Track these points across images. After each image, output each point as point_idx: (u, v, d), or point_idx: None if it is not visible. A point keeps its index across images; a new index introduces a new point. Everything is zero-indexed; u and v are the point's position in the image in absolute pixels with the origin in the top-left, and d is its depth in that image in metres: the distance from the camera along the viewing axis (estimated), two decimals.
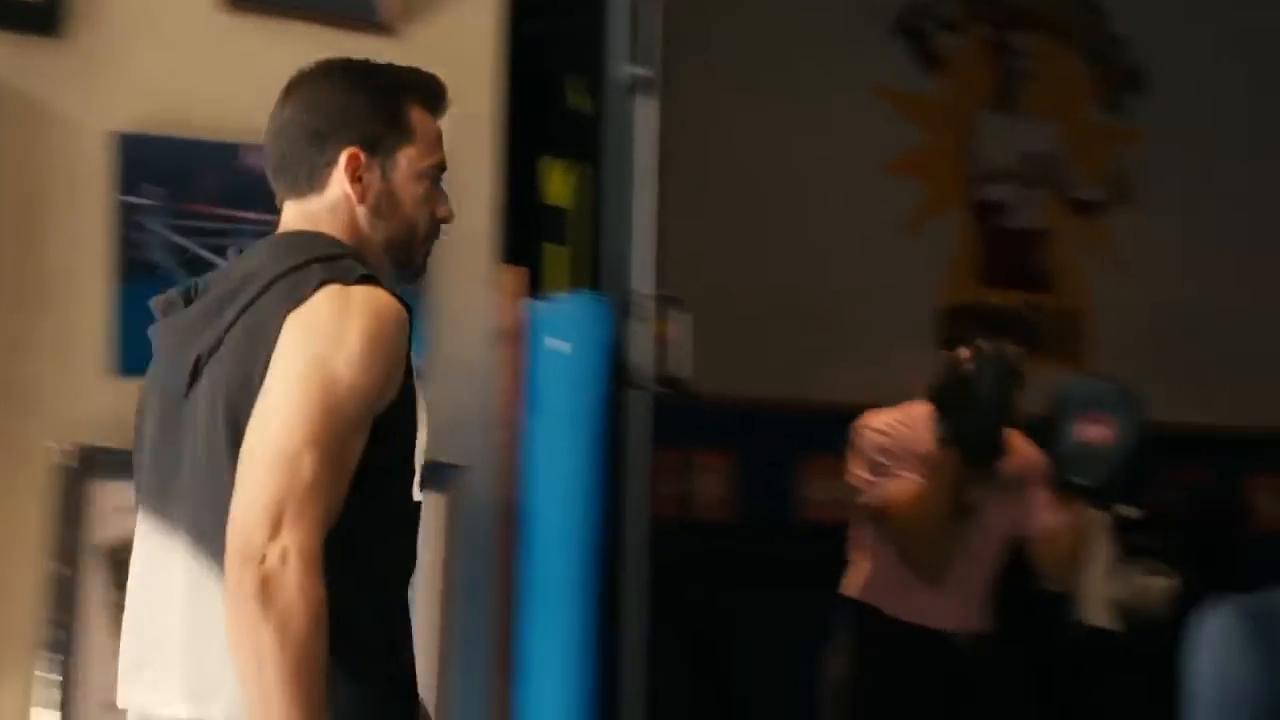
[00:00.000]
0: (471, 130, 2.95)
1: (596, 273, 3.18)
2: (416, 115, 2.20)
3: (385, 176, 2.18)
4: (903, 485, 3.71)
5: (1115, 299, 6.02)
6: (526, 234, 3.23)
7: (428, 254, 2.27)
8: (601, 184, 3.16)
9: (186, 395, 2.10)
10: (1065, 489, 3.70)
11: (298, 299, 2.04)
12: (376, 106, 2.18)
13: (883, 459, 3.77)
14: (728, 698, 4.91)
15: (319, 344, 2.01)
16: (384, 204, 2.17)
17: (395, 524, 2.14)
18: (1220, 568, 5.60)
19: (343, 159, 2.15)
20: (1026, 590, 4.90)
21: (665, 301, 3.07)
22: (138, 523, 2.18)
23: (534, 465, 3.00)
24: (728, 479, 5.28)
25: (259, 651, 1.91)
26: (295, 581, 1.92)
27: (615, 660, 3.05)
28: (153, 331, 2.22)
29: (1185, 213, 6.14)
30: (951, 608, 3.78)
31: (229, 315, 2.07)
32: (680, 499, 5.12)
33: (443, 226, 2.25)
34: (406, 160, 2.19)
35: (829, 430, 5.37)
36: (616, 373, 3.03)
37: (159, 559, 2.13)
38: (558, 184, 3.32)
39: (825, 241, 5.45)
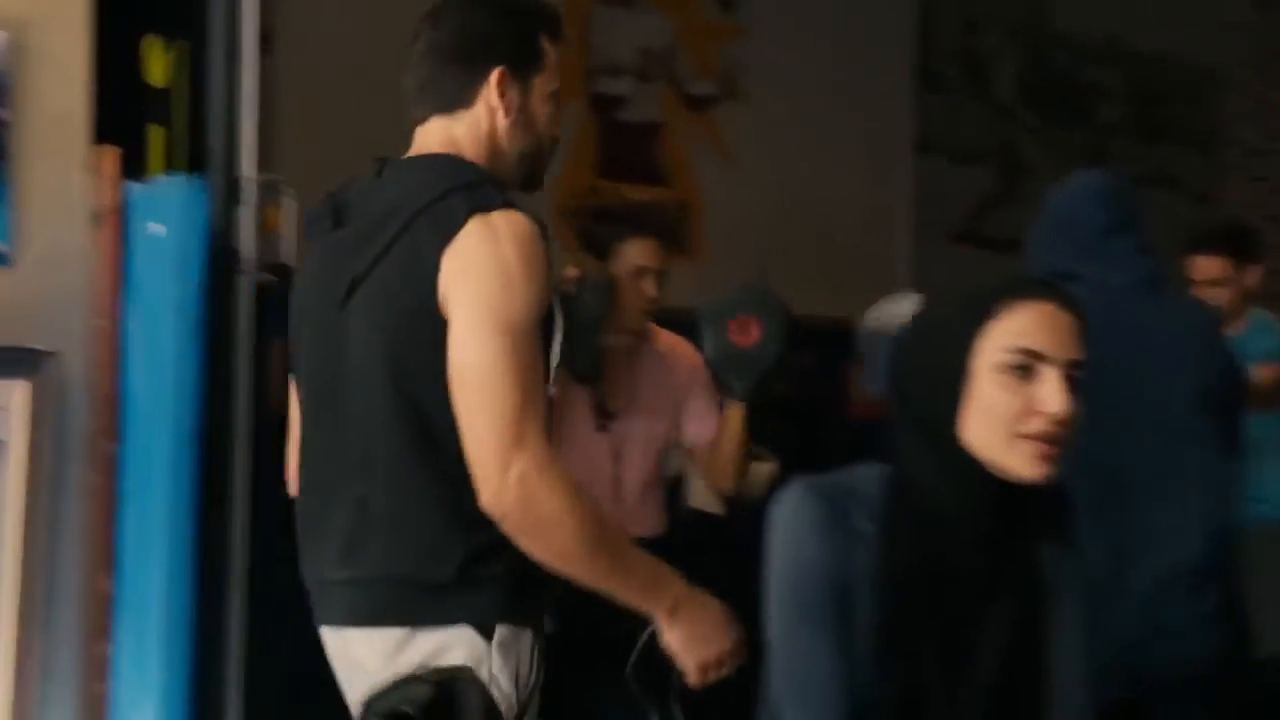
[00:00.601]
0: (64, 6, 2.83)
1: (201, 155, 3.08)
2: (547, 44, 2.49)
3: (523, 96, 2.47)
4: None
5: (723, 192, 6.19)
6: (129, 115, 3.12)
7: (544, 170, 2.59)
8: (205, 63, 3.06)
9: (340, 314, 2.37)
10: (722, 392, 3.83)
11: (449, 235, 2.28)
12: (520, 34, 2.47)
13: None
14: None
15: (483, 282, 2.26)
16: (521, 121, 2.46)
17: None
18: (819, 452, 5.85)
19: (493, 77, 2.43)
20: None
21: (270, 186, 3.02)
22: (300, 415, 2.50)
23: (133, 353, 2.92)
24: None
25: (566, 556, 2.23)
26: (544, 490, 2.20)
27: (221, 552, 3.01)
28: (309, 235, 2.52)
29: (788, 107, 6.33)
30: (616, 515, 3.85)
31: (380, 243, 2.32)
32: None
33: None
34: (539, 83, 2.49)
35: None
36: (220, 258, 2.96)
37: (324, 454, 2.41)
38: (158, 63, 3.21)
39: None
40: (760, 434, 5.59)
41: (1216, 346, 3.27)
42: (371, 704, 1.74)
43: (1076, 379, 1.93)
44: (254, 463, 3.04)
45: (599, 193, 5.94)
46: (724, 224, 6.19)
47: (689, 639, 2.37)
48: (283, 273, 3.05)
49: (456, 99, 2.44)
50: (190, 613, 2.91)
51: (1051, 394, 1.90)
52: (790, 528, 1.99)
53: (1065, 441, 1.92)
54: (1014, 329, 1.92)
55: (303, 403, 2.52)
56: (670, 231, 4.05)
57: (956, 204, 7.25)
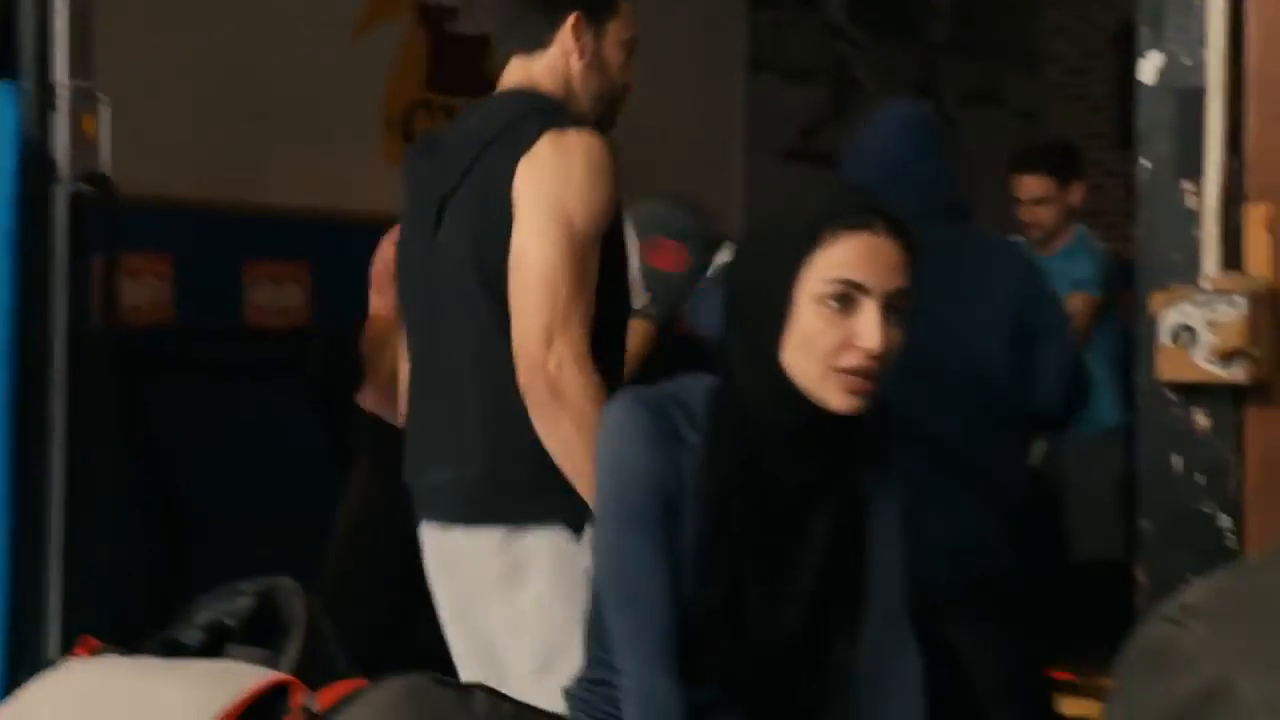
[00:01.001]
0: None
1: (12, 60, 2.98)
2: None
3: (598, 41, 2.66)
4: (383, 302, 3.78)
5: None
6: None
7: (618, 113, 2.78)
8: None
9: (435, 234, 2.59)
10: (635, 316, 3.80)
11: (524, 147, 2.49)
12: None
13: (375, 275, 3.82)
14: (169, 488, 4.84)
15: (550, 184, 2.47)
16: (595, 64, 2.65)
17: (618, 327, 2.67)
18: (656, 368, 5.88)
19: (569, 22, 2.63)
20: None
21: (86, 93, 2.93)
22: (408, 341, 2.74)
23: None
24: (167, 282, 5.14)
25: (564, 441, 2.42)
26: (574, 379, 2.41)
27: (39, 469, 2.95)
28: (406, 172, 2.76)
29: None
30: None
31: (464, 163, 2.54)
32: (114, 301, 4.94)
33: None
34: (614, 30, 2.68)
35: (273, 234, 5.32)
36: (34, 168, 2.88)
37: (428, 368, 2.64)
38: None
39: (269, 40, 5.30)
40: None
41: (1020, 278, 3.24)
42: (193, 616, 1.72)
43: (900, 306, 1.95)
44: (71, 379, 2.97)
45: (428, 105, 5.88)
46: None
47: None
48: (101, 183, 2.96)
49: (535, 40, 2.64)
50: (7, 527, 2.85)
51: (868, 328, 1.92)
52: (618, 437, 2.00)
53: (881, 373, 1.95)
54: (835, 260, 1.92)
55: (408, 329, 2.75)
56: None
57: (789, 122, 7.28)
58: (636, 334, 3.83)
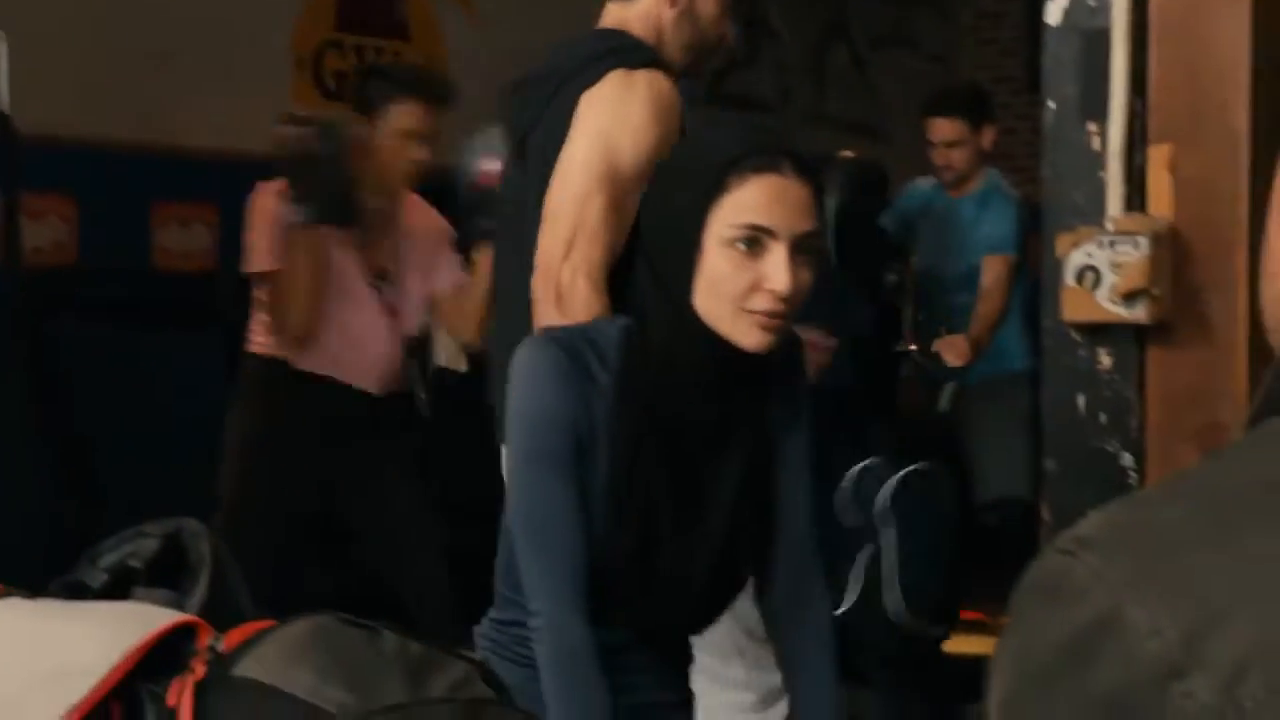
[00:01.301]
0: None
1: None
2: None
3: None
4: (271, 259, 3.76)
5: (467, 48, 6.10)
6: None
7: (709, 64, 2.91)
8: None
9: (519, 162, 2.77)
10: (471, 236, 3.82)
11: (592, 83, 2.61)
12: None
13: (262, 227, 3.78)
14: (72, 431, 4.79)
15: (605, 118, 2.58)
16: (687, 13, 2.74)
17: None
18: None
19: None
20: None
21: None
22: (494, 274, 2.97)
23: None
24: (71, 223, 5.06)
25: None
26: (583, 292, 2.51)
27: None
28: (502, 107, 2.92)
29: None
30: (357, 366, 3.86)
31: (544, 97, 2.69)
32: (15, 243, 4.87)
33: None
34: None
35: (181, 175, 5.25)
36: None
37: (511, 296, 2.74)
38: None
39: None
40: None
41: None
42: (98, 558, 1.70)
43: (809, 248, 1.96)
44: None
45: (339, 45, 5.81)
46: (468, 81, 6.11)
47: None
48: None
49: None
50: None
51: (776, 271, 1.92)
52: (530, 376, 2.00)
53: (790, 314, 1.95)
54: (742, 204, 1.92)
55: (495, 261, 2.95)
56: (441, 95, 3.99)
57: None
58: (482, 261, 3.87)
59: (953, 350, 4.73)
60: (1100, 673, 0.76)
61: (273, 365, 3.87)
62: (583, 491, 2.00)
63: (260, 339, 3.91)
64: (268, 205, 3.79)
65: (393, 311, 3.90)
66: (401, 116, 3.80)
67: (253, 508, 3.81)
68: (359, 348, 3.86)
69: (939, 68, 8.09)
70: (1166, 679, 0.74)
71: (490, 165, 3.70)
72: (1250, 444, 0.84)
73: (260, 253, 3.81)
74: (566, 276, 2.53)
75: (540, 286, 2.56)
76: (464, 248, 3.93)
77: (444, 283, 3.96)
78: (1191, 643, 0.75)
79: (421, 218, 3.97)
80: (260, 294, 3.90)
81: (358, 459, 3.92)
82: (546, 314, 2.53)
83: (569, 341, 2.02)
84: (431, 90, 3.91)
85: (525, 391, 2.00)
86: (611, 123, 2.58)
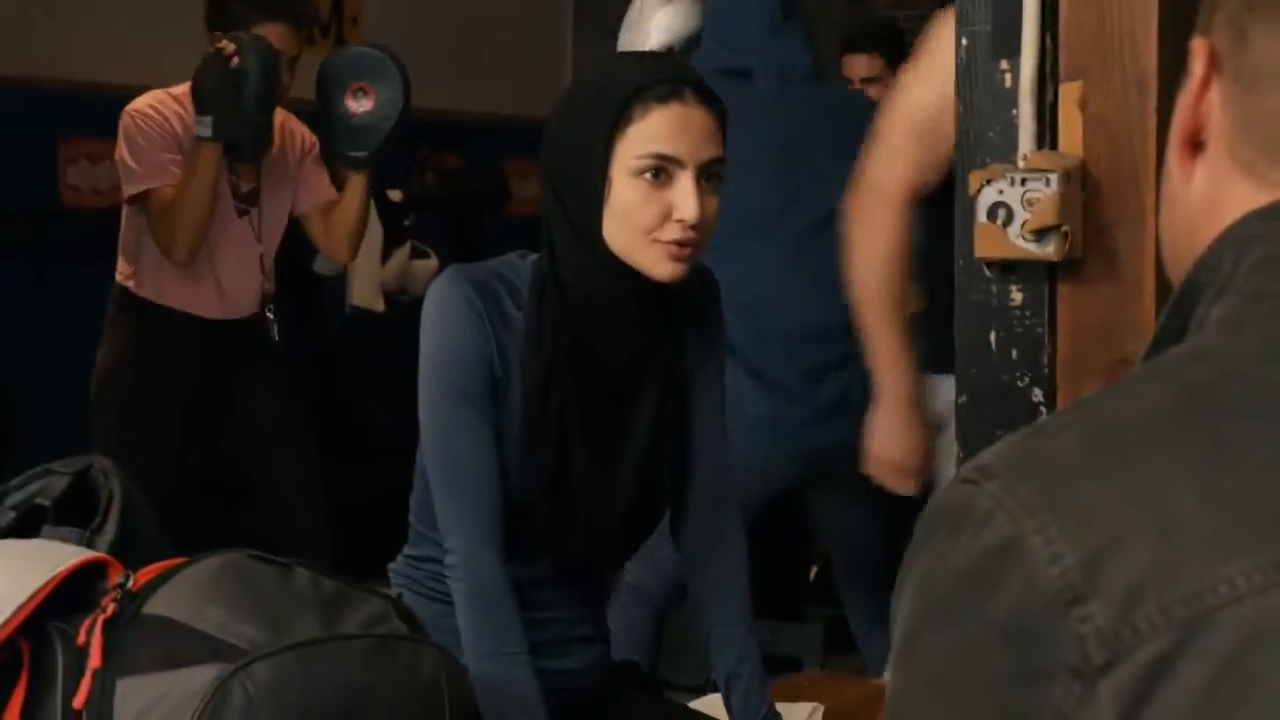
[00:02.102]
0: None
1: None
2: None
3: None
4: (163, 177, 3.67)
5: None
6: None
7: None
8: None
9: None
10: (338, 161, 3.79)
11: None
12: None
13: (145, 142, 3.69)
14: None
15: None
16: None
17: None
18: (479, 249, 5.86)
19: None
20: (298, 273, 4.96)
21: None
22: None
23: None
24: None
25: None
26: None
27: None
28: None
29: None
30: (228, 295, 3.81)
31: None
32: None
33: None
34: None
35: (89, 112, 5.16)
36: None
37: None
38: None
39: None
40: (411, 229, 5.58)
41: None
42: (4, 497, 1.68)
43: (715, 174, 1.96)
44: None
45: None
46: (382, 20, 6.05)
47: None
48: None
49: None
50: None
51: (684, 199, 1.92)
52: (442, 312, 1.99)
53: (700, 241, 1.95)
54: (646, 134, 1.91)
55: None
56: (306, 17, 3.94)
57: (617, 2, 7.23)
58: (354, 187, 3.85)
59: None
60: (1001, 599, 0.78)
61: (135, 300, 3.81)
62: (497, 427, 2.00)
63: (126, 269, 3.82)
64: (150, 119, 3.72)
65: (258, 236, 3.85)
66: (269, 38, 3.74)
67: (136, 451, 3.76)
68: (228, 275, 3.81)
69: (854, 5, 8.09)
70: (1067, 604, 0.76)
71: (361, 96, 3.68)
72: (1144, 375, 0.86)
73: (144, 170, 3.70)
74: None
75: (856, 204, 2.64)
76: (333, 171, 3.91)
77: (312, 200, 3.92)
78: (1089, 569, 0.76)
79: (288, 133, 3.91)
80: (131, 222, 3.80)
81: (229, 390, 3.88)
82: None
83: (479, 278, 2.01)
84: (296, 11, 3.87)
85: (436, 329, 2.00)
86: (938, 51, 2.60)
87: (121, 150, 3.72)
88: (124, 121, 3.73)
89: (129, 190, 3.73)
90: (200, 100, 3.62)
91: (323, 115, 3.77)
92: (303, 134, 3.92)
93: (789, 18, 3.41)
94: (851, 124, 3.34)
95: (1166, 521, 0.76)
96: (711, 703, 2.30)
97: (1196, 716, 0.73)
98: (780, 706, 2.20)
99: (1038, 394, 2.08)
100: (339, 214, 3.87)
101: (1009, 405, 2.09)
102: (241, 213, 3.80)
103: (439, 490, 2.00)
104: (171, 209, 3.65)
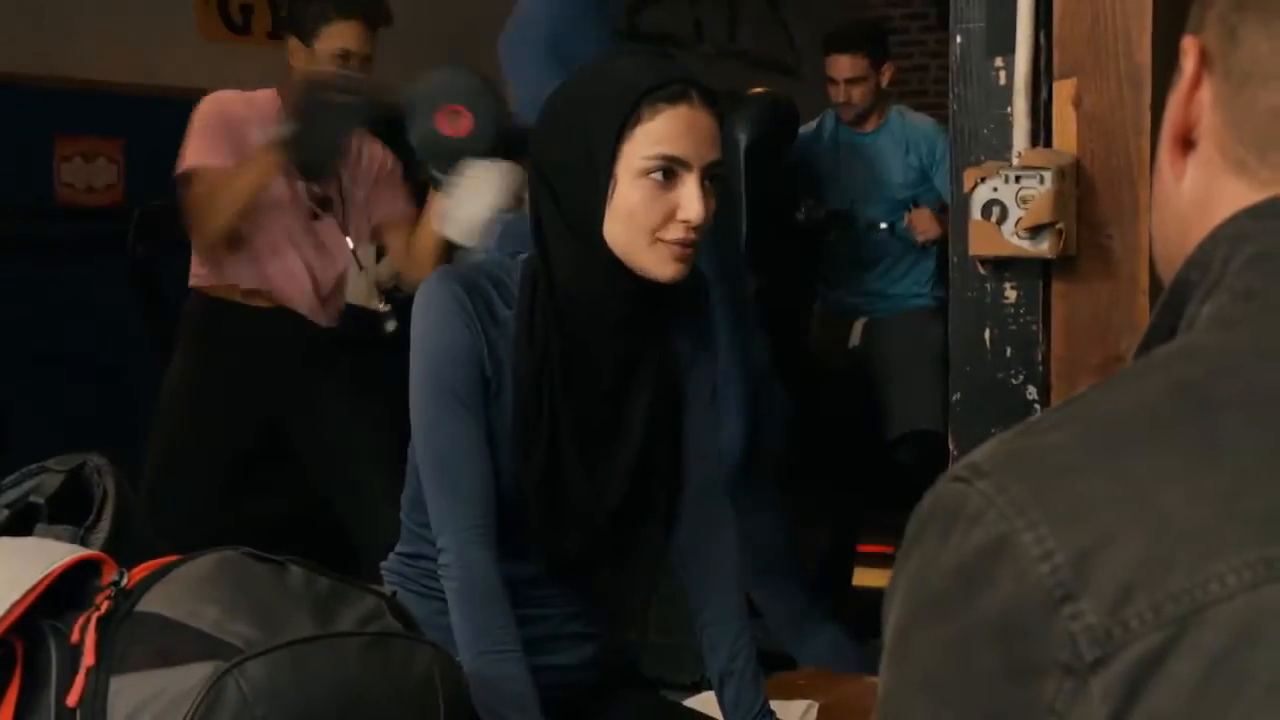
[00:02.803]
0: None
1: None
2: None
3: None
4: (214, 158, 3.67)
5: None
6: None
7: None
8: None
9: None
10: (426, 182, 3.79)
11: None
12: None
13: (203, 124, 3.70)
14: None
15: None
16: None
17: None
18: None
19: None
20: None
21: None
22: None
23: None
24: None
25: None
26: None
27: None
28: None
29: None
30: (299, 292, 3.83)
31: None
32: None
33: None
34: None
35: (84, 110, 5.16)
36: None
37: None
38: None
39: None
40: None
41: None
42: None
43: (715, 175, 1.97)
44: None
45: None
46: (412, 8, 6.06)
47: None
48: None
49: None
50: None
51: (690, 200, 1.93)
52: (431, 313, 1.99)
53: (699, 242, 1.96)
54: (655, 135, 1.92)
55: None
56: (379, 14, 3.95)
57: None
58: (436, 208, 3.85)
59: (922, 222, 4.79)
60: (992, 596, 0.78)
61: (212, 300, 3.81)
62: (490, 427, 2.00)
63: (200, 271, 3.83)
64: (222, 110, 3.73)
65: (320, 247, 3.86)
66: (338, 37, 3.75)
67: (194, 446, 3.77)
68: (292, 277, 3.81)
69: (851, 4, 8.10)
70: (1058, 602, 0.76)
71: (454, 118, 3.66)
72: (1134, 372, 0.86)
73: (199, 149, 3.69)
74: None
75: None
76: (417, 190, 3.91)
77: (391, 213, 3.92)
78: (1080, 566, 0.76)
79: (369, 147, 3.92)
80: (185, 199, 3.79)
81: (299, 389, 3.89)
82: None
83: (468, 278, 2.01)
84: (369, 9, 3.87)
85: (426, 329, 2.00)
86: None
87: (188, 131, 3.73)
88: (199, 105, 3.75)
89: (179, 166, 3.71)
90: (292, 106, 3.63)
91: (411, 134, 3.78)
92: (378, 153, 3.94)
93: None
94: None
95: (1157, 518, 0.76)
96: (706, 700, 2.30)
97: (1188, 713, 0.73)
98: (775, 704, 2.20)
99: (1032, 391, 2.08)
100: (423, 233, 3.81)
101: (1003, 402, 2.09)
102: (314, 216, 3.82)
103: (430, 489, 2.00)
104: (212, 192, 3.64)
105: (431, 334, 1.99)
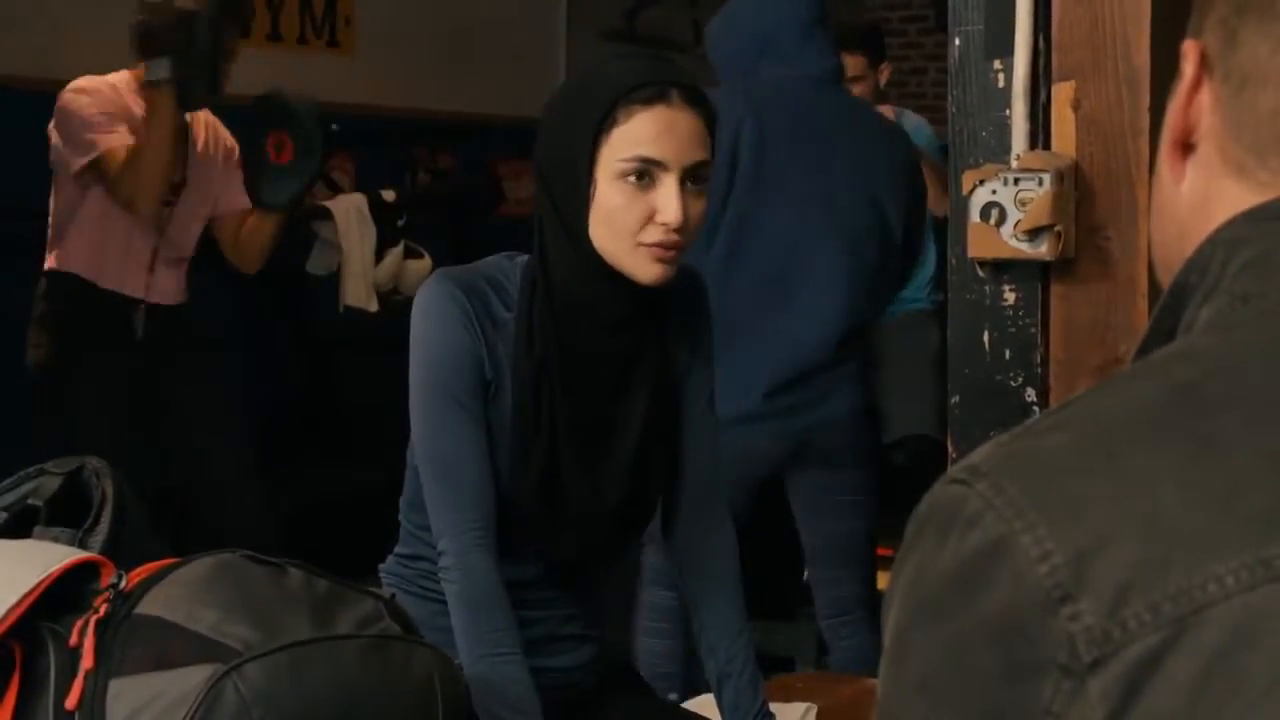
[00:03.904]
0: None
1: None
2: None
3: None
4: (118, 137, 3.70)
5: None
6: None
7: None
8: None
9: None
10: (262, 206, 3.86)
11: None
12: None
13: (91, 109, 3.71)
14: None
15: None
16: None
17: None
18: (472, 249, 5.86)
19: None
20: (288, 272, 4.95)
21: None
22: None
23: None
24: None
25: None
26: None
27: None
28: None
29: None
30: (158, 278, 3.85)
31: None
32: None
33: None
34: None
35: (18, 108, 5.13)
36: None
37: None
38: None
39: None
40: (403, 229, 5.58)
41: (901, 145, 3.56)
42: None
43: (701, 176, 1.95)
44: None
45: None
46: (375, 21, 6.05)
47: None
48: None
49: None
50: None
51: (667, 202, 1.91)
52: (430, 315, 1.99)
53: (684, 244, 1.95)
54: (630, 137, 1.91)
55: None
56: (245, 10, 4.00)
57: (611, 2, 7.24)
58: (268, 221, 3.90)
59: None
60: (990, 598, 0.78)
61: (68, 282, 3.83)
62: (489, 429, 2.00)
63: (61, 253, 3.84)
64: (95, 93, 3.73)
65: (175, 224, 3.89)
66: None
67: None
68: (146, 261, 3.84)
69: (848, 5, 8.10)
70: (1056, 603, 0.76)
71: (279, 146, 3.73)
72: (1132, 374, 0.86)
73: (99, 133, 3.70)
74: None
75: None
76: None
77: (231, 206, 3.97)
78: (1078, 567, 0.76)
79: (213, 133, 3.96)
80: (67, 206, 3.81)
81: (167, 374, 3.91)
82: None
83: (468, 280, 2.01)
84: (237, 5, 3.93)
85: (425, 331, 2.00)
86: None
87: (64, 127, 3.75)
88: (62, 100, 3.77)
89: (80, 159, 3.73)
90: (151, 43, 3.65)
91: (243, 157, 3.85)
92: (226, 137, 3.98)
93: (819, 20, 3.44)
94: (875, 137, 3.47)
95: (1155, 519, 0.76)
96: (704, 702, 2.30)
97: (1186, 714, 0.73)
98: (774, 706, 2.20)
99: (1031, 394, 2.08)
100: (254, 234, 3.93)
101: (1002, 405, 2.09)
102: (166, 202, 3.83)
103: (430, 492, 2.00)
104: (134, 161, 3.67)
105: (432, 337, 1.99)
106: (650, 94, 1.91)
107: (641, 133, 1.91)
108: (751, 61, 3.35)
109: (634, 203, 1.92)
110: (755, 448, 3.28)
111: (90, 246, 3.80)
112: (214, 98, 3.77)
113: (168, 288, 3.90)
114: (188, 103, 3.72)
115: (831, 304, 3.32)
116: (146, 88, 3.68)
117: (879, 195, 3.37)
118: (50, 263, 3.86)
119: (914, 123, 5.01)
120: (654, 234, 1.93)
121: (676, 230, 1.92)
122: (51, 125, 3.78)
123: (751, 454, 3.26)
